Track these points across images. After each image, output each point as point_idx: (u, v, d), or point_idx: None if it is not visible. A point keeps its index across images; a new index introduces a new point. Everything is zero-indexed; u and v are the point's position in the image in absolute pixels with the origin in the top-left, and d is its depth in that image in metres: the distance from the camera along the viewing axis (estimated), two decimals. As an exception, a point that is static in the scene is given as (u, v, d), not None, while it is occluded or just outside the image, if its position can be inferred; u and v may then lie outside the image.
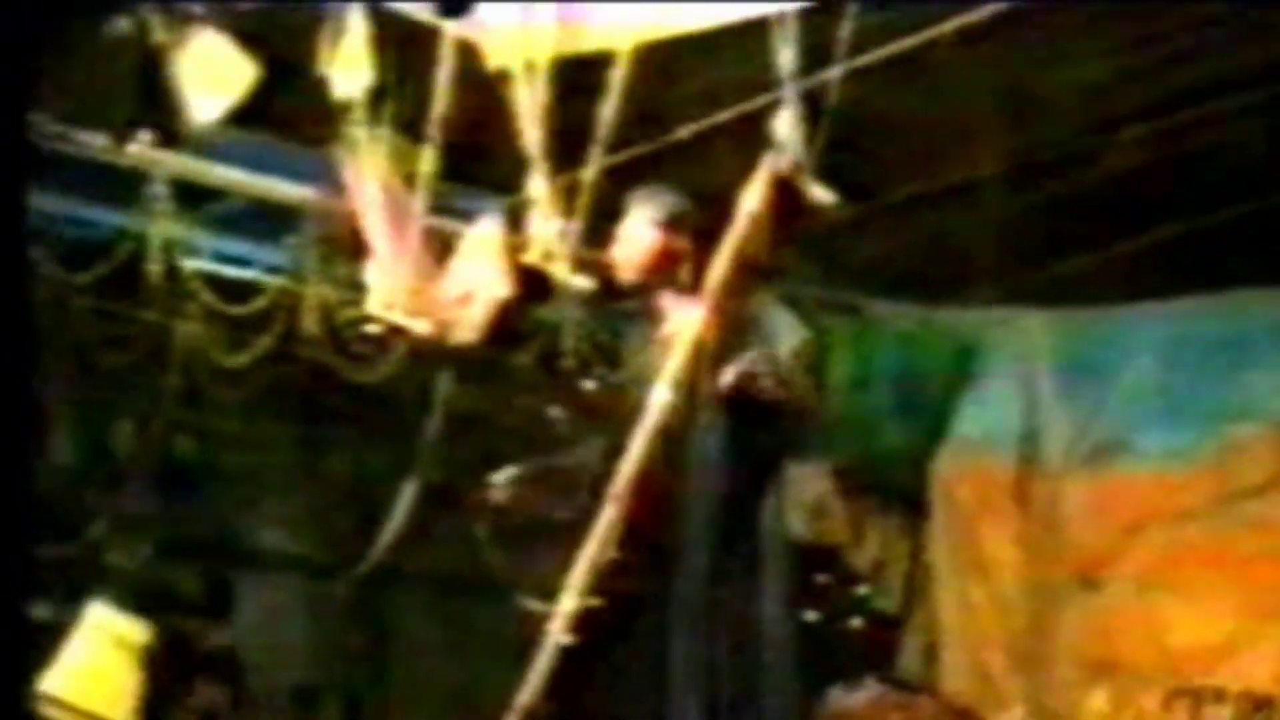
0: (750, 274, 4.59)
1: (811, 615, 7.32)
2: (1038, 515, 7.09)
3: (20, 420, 3.14)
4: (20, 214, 3.33)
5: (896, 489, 7.49)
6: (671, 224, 4.70)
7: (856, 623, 7.90)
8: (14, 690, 3.10)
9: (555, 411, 8.13)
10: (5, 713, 3.09)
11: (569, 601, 4.43)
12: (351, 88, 5.60)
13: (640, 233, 4.73)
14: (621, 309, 6.81)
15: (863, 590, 7.69)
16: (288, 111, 6.17)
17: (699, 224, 4.74)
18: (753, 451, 4.57)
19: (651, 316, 4.85)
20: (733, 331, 4.56)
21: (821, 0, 4.70)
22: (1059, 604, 7.01)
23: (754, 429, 4.54)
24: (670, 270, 4.69)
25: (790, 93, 4.65)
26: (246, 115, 5.96)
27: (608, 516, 4.46)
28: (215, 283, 7.09)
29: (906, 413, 7.30)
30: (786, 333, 4.85)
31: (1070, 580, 6.99)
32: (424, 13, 5.33)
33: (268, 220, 7.10)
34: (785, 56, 4.65)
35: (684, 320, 4.57)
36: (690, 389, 4.49)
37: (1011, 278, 6.87)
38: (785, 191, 4.54)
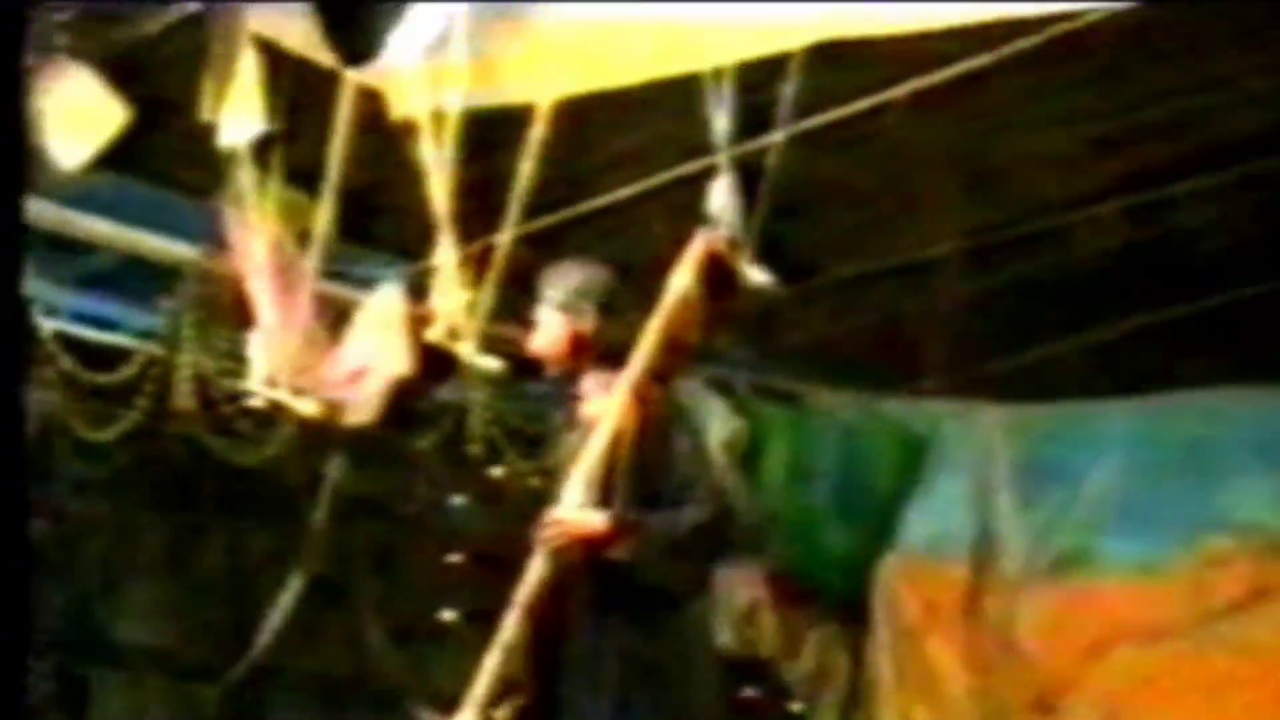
0: (678, 357, 4.57)
1: (739, 734, 7.30)
2: (991, 631, 7.07)
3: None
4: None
5: (836, 597, 7.46)
6: (579, 306, 4.68)
7: (789, 743, 7.87)
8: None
9: (459, 500, 8.12)
10: None
11: (467, 715, 4.37)
12: (239, 134, 5.54)
13: (547, 319, 4.71)
14: (536, 391, 6.81)
15: (797, 708, 7.65)
16: (165, 157, 6.11)
17: (622, 299, 4.71)
18: (675, 567, 4.54)
19: (572, 401, 4.82)
20: (657, 420, 4.53)
21: (764, 59, 4.68)
22: (1014, 731, 6.99)
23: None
24: (585, 356, 4.66)
25: (726, 158, 4.65)
26: (117, 160, 5.89)
27: (513, 621, 4.41)
28: (77, 347, 6.99)
29: (848, 513, 7.29)
30: (716, 422, 4.84)
31: (1027, 706, 6.98)
32: (323, 54, 5.28)
33: (139, 279, 7.02)
34: (721, 118, 4.65)
35: (603, 406, 4.55)
36: (607, 486, 4.46)
37: (966, 367, 6.89)
38: (718, 269, 4.53)
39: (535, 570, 4.43)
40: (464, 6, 4.98)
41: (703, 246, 4.52)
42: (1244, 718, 6.55)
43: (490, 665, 4.40)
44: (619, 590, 4.45)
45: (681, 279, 4.49)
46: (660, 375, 4.52)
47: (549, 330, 4.71)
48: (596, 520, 4.41)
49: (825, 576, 7.47)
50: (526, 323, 4.86)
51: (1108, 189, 6.05)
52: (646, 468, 4.47)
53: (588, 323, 4.64)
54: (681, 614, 4.55)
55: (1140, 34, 4.95)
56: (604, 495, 4.45)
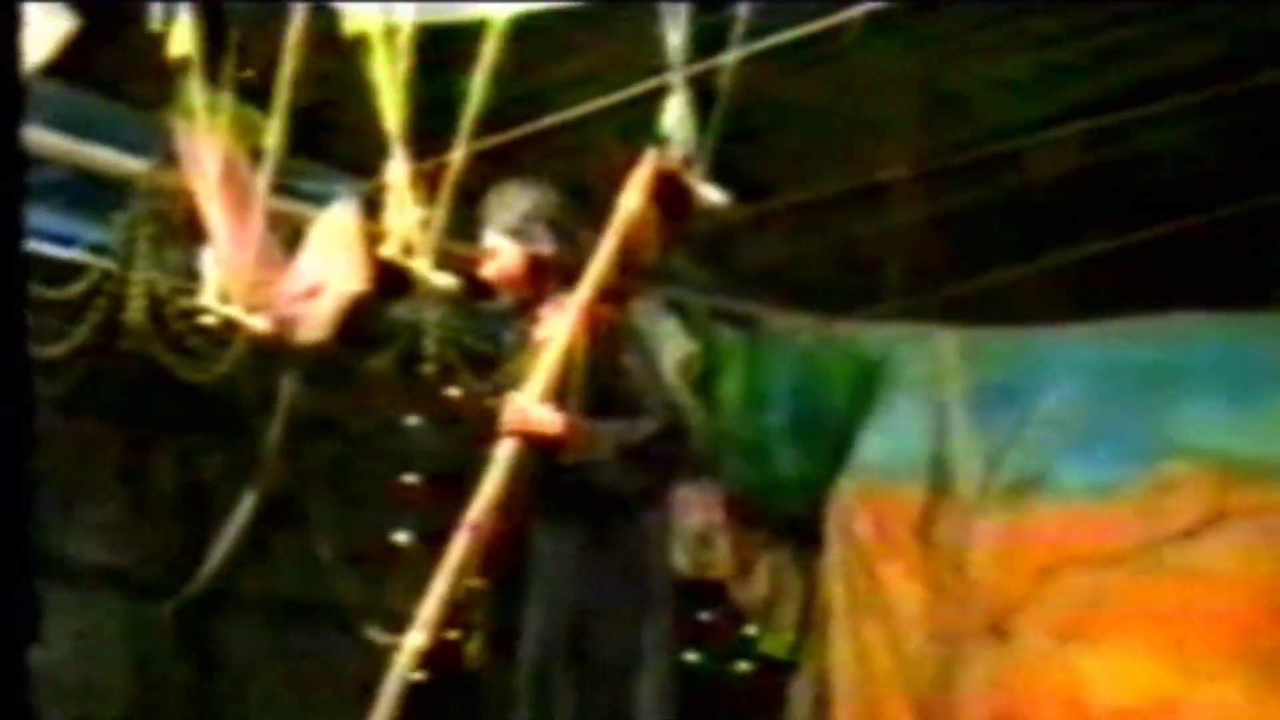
0: (632, 276, 4.61)
1: (693, 657, 7.38)
2: (945, 554, 7.12)
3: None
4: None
5: (790, 520, 7.51)
6: (531, 230, 4.69)
7: (743, 666, 7.95)
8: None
9: (414, 420, 8.15)
10: None
11: (419, 635, 4.41)
12: (188, 43, 5.53)
13: (499, 245, 4.71)
14: (491, 310, 6.84)
15: (750, 631, 7.73)
16: (114, 68, 6.09)
17: (572, 219, 4.75)
18: (628, 473, 4.58)
19: (527, 320, 4.85)
20: (610, 341, 4.57)
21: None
22: (965, 653, 7.04)
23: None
24: (543, 280, 4.68)
25: (680, 77, 4.66)
26: (65, 70, 5.86)
27: (464, 542, 4.46)
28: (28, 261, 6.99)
29: (803, 436, 7.32)
30: (671, 344, 4.88)
31: (979, 628, 7.03)
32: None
33: (90, 193, 7.01)
34: (675, 37, 4.66)
35: (556, 326, 4.58)
36: (559, 401, 4.50)
37: (923, 291, 6.93)
38: (671, 188, 4.56)
39: (490, 481, 4.46)
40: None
41: (653, 164, 4.54)
42: (1196, 642, 6.60)
43: (441, 585, 4.44)
44: (572, 498, 4.50)
45: (632, 197, 4.52)
46: (614, 294, 4.55)
47: (503, 257, 4.71)
48: (551, 418, 4.44)
49: (780, 499, 7.51)
50: (479, 241, 4.89)
51: (1065, 113, 6.09)
52: (599, 384, 4.51)
53: (542, 246, 4.65)
54: (636, 524, 4.59)
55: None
56: (557, 408, 4.49)
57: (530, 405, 4.44)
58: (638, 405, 4.54)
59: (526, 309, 4.77)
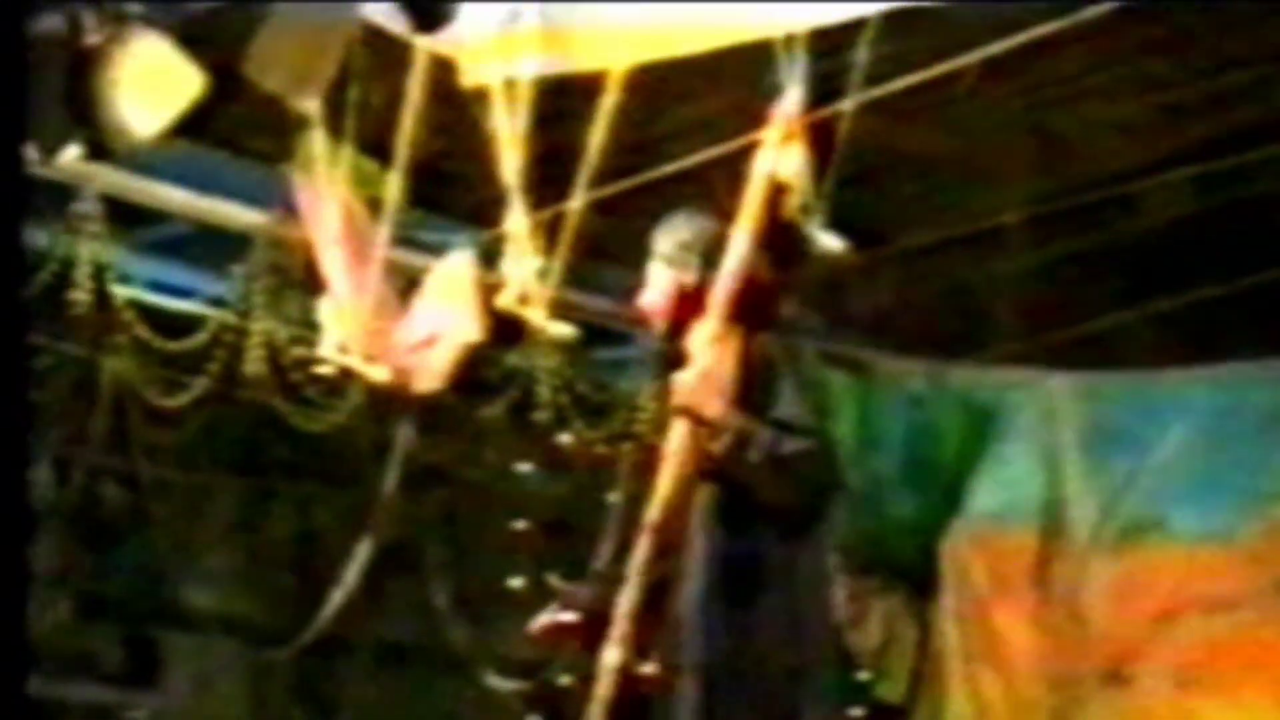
0: (779, 244, 4.49)
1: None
2: (1060, 599, 7.06)
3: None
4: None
5: (902, 566, 7.46)
6: (685, 259, 4.60)
7: (857, 712, 7.87)
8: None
9: (527, 467, 8.15)
10: None
11: (613, 653, 4.34)
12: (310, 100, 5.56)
13: (654, 274, 4.63)
14: (605, 359, 6.83)
15: (864, 676, 7.66)
16: (237, 125, 6.14)
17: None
18: (778, 487, 4.51)
19: (670, 351, 4.76)
20: (757, 372, 4.50)
21: (836, 25, 4.68)
22: (1082, 700, 6.98)
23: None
24: (686, 310, 4.58)
25: (797, 125, 4.63)
26: (191, 128, 5.91)
27: (645, 545, 4.38)
28: (150, 314, 7.05)
29: (915, 481, 7.29)
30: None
31: (1095, 673, 6.97)
32: (395, 23, 5.30)
33: (211, 246, 7.08)
34: (792, 84, 4.63)
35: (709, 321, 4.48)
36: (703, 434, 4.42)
37: (1035, 335, 6.88)
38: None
39: (666, 474, 4.38)
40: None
41: (785, 121, 4.45)
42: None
43: (630, 595, 4.36)
44: (735, 508, 4.42)
45: (767, 160, 4.41)
46: (762, 261, 4.44)
47: (655, 284, 4.64)
48: (714, 398, 4.34)
49: (892, 545, 7.47)
50: (597, 289, 4.87)
51: (1178, 156, 6.03)
52: (750, 396, 4.43)
53: (691, 275, 4.56)
54: (800, 542, 4.52)
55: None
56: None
57: (697, 382, 4.35)
58: (788, 427, 4.46)
59: (672, 339, 4.68)
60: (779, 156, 4.38)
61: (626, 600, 4.30)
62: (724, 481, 4.39)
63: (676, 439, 4.33)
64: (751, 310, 4.44)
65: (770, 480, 4.37)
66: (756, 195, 4.37)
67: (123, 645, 8.72)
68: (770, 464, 4.35)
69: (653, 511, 4.33)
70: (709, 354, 4.35)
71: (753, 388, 4.42)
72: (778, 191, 4.41)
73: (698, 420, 4.32)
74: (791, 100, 4.48)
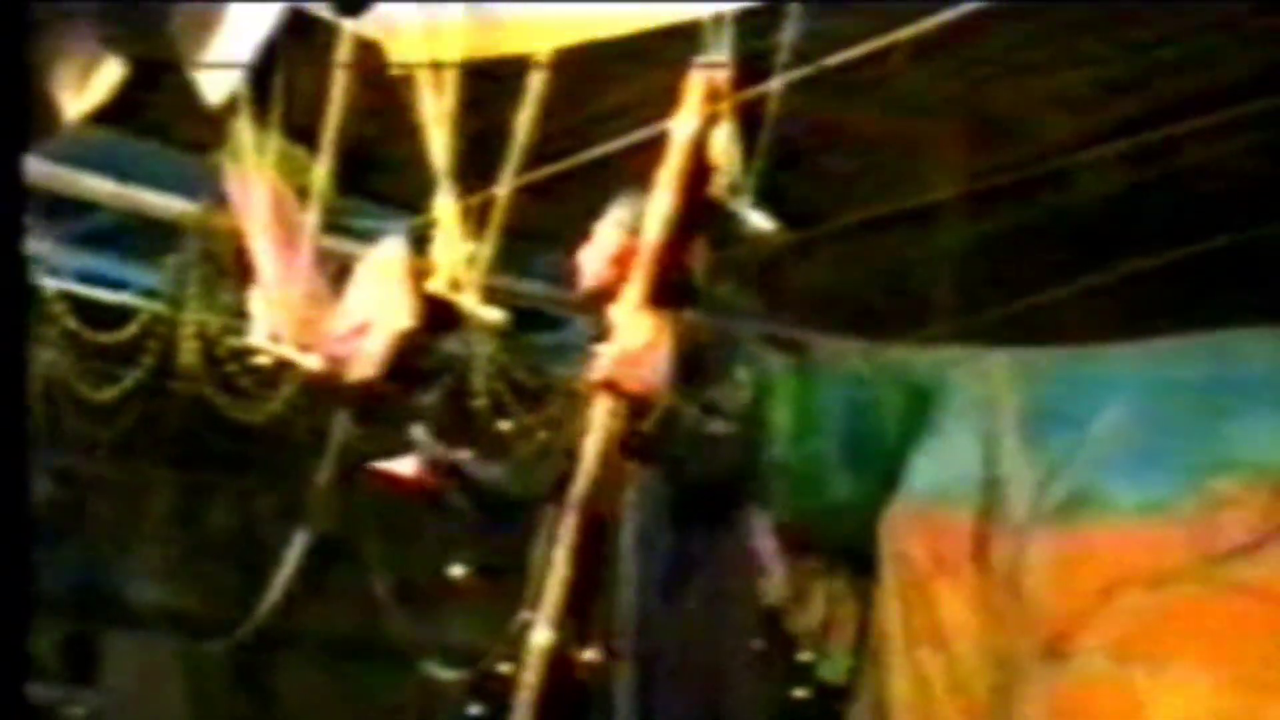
0: (699, 210, 4.46)
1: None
2: (999, 576, 7.04)
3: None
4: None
5: (843, 546, 7.44)
6: (638, 228, 4.58)
7: (799, 693, 7.87)
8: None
9: (465, 454, 8.10)
10: None
11: (545, 634, 4.30)
12: (219, 89, 5.51)
13: (606, 234, 4.61)
14: (539, 343, 6.79)
15: (805, 657, 7.65)
16: (163, 112, 6.08)
17: None
18: (695, 496, 4.50)
19: (599, 333, 4.73)
20: (684, 350, 4.47)
21: (764, 2, 4.65)
22: (1023, 676, 6.97)
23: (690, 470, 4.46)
24: (624, 272, 4.55)
25: (726, 106, 4.60)
26: (115, 116, 5.86)
27: (572, 525, 4.35)
28: (80, 306, 6.99)
29: (854, 461, 7.25)
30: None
31: (1035, 650, 6.94)
32: (321, 7, 5.26)
33: (141, 237, 7.02)
34: (721, 64, 4.60)
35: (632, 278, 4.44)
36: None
37: (972, 313, 6.87)
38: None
39: (590, 451, 4.35)
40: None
41: (704, 81, 4.41)
42: (1255, 659, 6.52)
43: (559, 573, 4.33)
44: (664, 489, 4.40)
45: (687, 119, 4.38)
46: (684, 231, 4.41)
47: (602, 243, 4.61)
48: (641, 370, 4.30)
49: (832, 526, 7.44)
50: (530, 274, 4.84)
51: (1111, 131, 6.02)
52: (675, 370, 4.40)
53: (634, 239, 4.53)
54: (725, 525, 4.50)
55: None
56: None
57: (619, 356, 4.32)
58: (714, 409, 4.43)
59: (601, 301, 4.64)
60: (698, 122, 4.36)
61: (556, 581, 4.28)
62: (650, 460, 4.36)
63: (599, 414, 4.30)
64: (672, 285, 4.42)
65: (694, 460, 4.36)
66: (675, 162, 4.35)
67: (61, 643, 8.65)
68: (694, 444, 4.33)
69: (578, 488, 4.31)
70: (630, 328, 4.33)
71: (680, 367, 4.40)
72: (703, 167, 4.38)
73: (620, 394, 4.29)
74: (719, 78, 4.46)
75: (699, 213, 4.53)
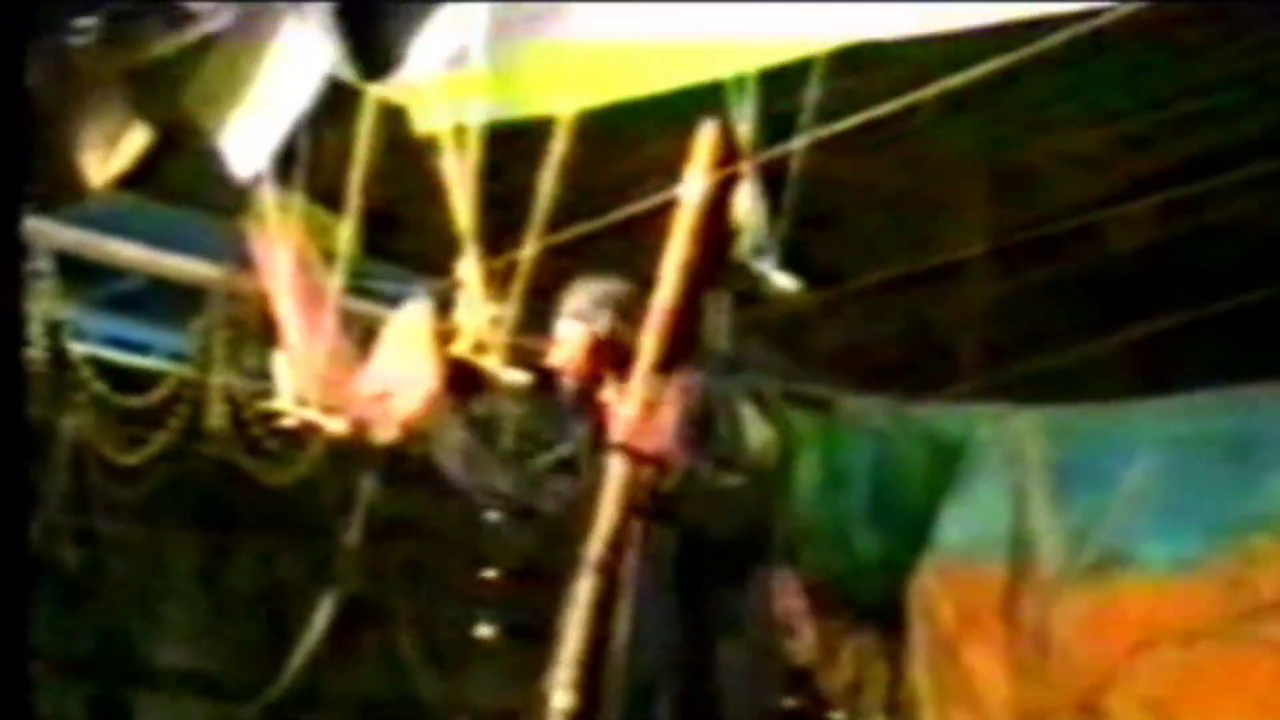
0: (713, 266, 4.47)
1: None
2: (1030, 635, 6.99)
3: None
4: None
5: (871, 604, 7.39)
6: (595, 314, 4.66)
7: (829, 753, 7.80)
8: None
9: (492, 516, 8.08)
10: None
11: (565, 697, 4.30)
12: (248, 158, 5.52)
13: (568, 332, 4.69)
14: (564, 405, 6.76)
15: (836, 717, 7.58)
16: (189, 177, 6.09)
17: (640, 306, 4.68)
18: (713, 557, 4.49)
19: (593, 413, 4.78)
20: (690, 413, 4.47)
21: (787, 65, 4.63)
22: (1055, 734, 6.92)
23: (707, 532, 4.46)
24: (604, 362, 4.63)
25: (750, 165, 4.60)
26: (141, 181, 5.88)
27: (590, 584, 4.34)
28: (107, 370, 7.00)
29: (882, 519, 7.21)
30: (750, 431, 4.79)
31: (1068, 707, 6.90)
32: (344, 71, 5.26)
33: (167, 301, 7.03)
34: (745, 125, 4.60)
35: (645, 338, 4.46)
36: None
37: (998, 370, 6.83)
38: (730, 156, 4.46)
39: (606, 511, 4.35)
40: (483, 20, 4.94)
41: (713, 137, 4.42)
42: (1288, 715, 6.48)
43: (578, 635, 4.32)
44: (671, 566, 4.38)
45: (697, 177, 4.40)
46: (696, 291, 4.42)
47: (567, 341, 4.70)
48: (657, 430, 4.32)
49: (861, 584, 7.40)
50: (552, 337, 4.85)
51: (1138, 187, 6.00)
52: (688, 428, 4.40)
53: (603, 328, 4.62)
54: (743, 582, 4.49)
55: (1166, 30, 4.90)
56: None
57: (636, 420, 4.35)
58: (728, 464, 4.44)
59: (587, 395, 4.70)
60: (708, 182, 4.39)
61: (574, 644, 4.27)
62: (668, 521, 4.36)
63: (616, 476, 4.31)
64: (684, 345, 4.44)
65: (710, 517, 4.36)
66: (686, 222, 4.38)
67: (90, 705, 8.63)
68: (709, 501, 4.33)
69: (594, 549, 4.31)
70: (645, 392, 4.35)
71: (693, 426, 4.41)
72: (721, 226, 4.40)
73: (638, 457, 4.30)
74: (742, 140, 4.46)
75: (715, 272, 4.54)
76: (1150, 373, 6.83)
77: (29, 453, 3.19)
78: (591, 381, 4.69)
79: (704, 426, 4.50)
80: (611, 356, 4.64)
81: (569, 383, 4.75)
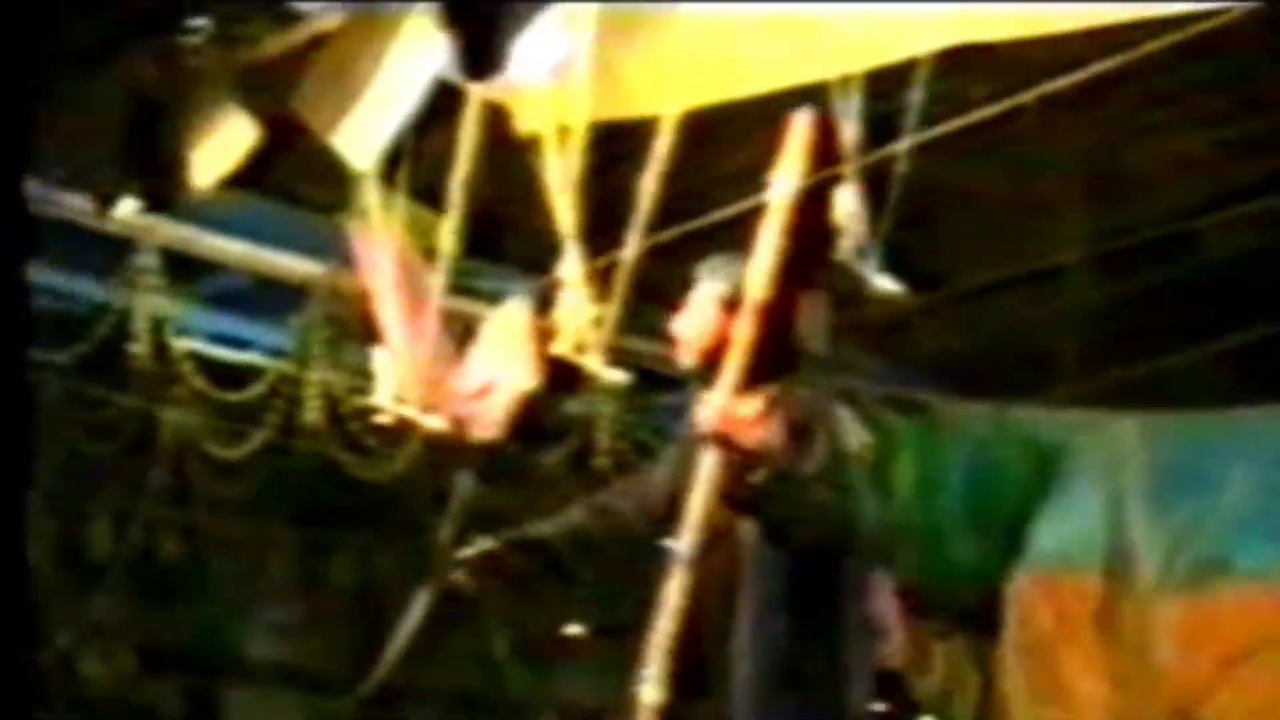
0: (811, 260, 4.44)
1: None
2: (1127, 643, 6.96)
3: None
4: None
5: (965, 609, 7.38)
6: (738, 301, 4.53)
7: (920, 758, 7.79)
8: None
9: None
10: None
11: (653, 692, 4.29)
12: (360, 152, 5.56)
13: (704, 312, 4.58)
14: (663, 404, 6.79)
15: (927, 721, 7.57)
16: (293, 176, 6.15)
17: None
18: (803, 557, 4.47)
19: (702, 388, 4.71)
20: (785, 412, 4.45)
21: (891, 66, 4.64)
22: (1151, 742, 6.88)
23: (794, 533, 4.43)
24: (726, 352, 4.53)
25: (853, 167, 4.60)
26: (247, 180, 5.94)
27: (679, 579, 4.33)
28: (208, 366, 7.08)
29: (978, 524, 7.20)
30: (848, 434, 4.76)
31: (1164, 716, 6.86)
32: (449, 70, 5.30)
33: (270, 298, 7.10)
34: (849, 126, 4.60)
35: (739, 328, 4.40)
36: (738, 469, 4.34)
37: (1098, 375, 6.80)
38: (827, 145, 4.42)
39: (696, 504, 4.32)
40: (590, 20, 4.97)
41: (806, 129, 4.40)
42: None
43: (666, 630, 4.31)
44: (776, 567, 4.37)
45: (790, 168, 4.37)
46: (791, 289, 4.38)
47: (701, 318, 4.59)
48: (752, 420, 4.28)
49: (955, 589, 7.39)
50: (654, 335, 4.84)
51: (1240, 192, 5.96)
52: (782, 431, 4.38)
53: (735, 290, 4.49)
54: (838, 602, 4.48)
55: (1273, 34, 4.87)
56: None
57: (728, 410, 4.29)
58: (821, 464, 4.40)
59: (702, 380, 4.62)
60: (799, 179, 4.37)
61: (664, 635, 4.27)
62: (754, 515, 4.34)
63: (709, 466, 4.28)
64: (779, 343, 4.40)
65: (801, 517, 4.33)
66: (777, 220, 4.35)
67: (184, 697, 8.73)
68: (801, 500, 4.31)
69: (685, 543, 4.30)
70: (738, 383, 4.33)
71: (786, 424, 4.38)
72: (821, 225, 4.38)
73: (729, 448, 4.27)
74: (845, 140, 4.46)
75: (811, 271, 4.51)
76: (1250, 380, 6.78)
77: (28, 454, 3.24)
78: (715, 356, 4.54)
79: (799, 426, 4.47)
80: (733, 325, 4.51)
81: (690, 357, 4.62)
